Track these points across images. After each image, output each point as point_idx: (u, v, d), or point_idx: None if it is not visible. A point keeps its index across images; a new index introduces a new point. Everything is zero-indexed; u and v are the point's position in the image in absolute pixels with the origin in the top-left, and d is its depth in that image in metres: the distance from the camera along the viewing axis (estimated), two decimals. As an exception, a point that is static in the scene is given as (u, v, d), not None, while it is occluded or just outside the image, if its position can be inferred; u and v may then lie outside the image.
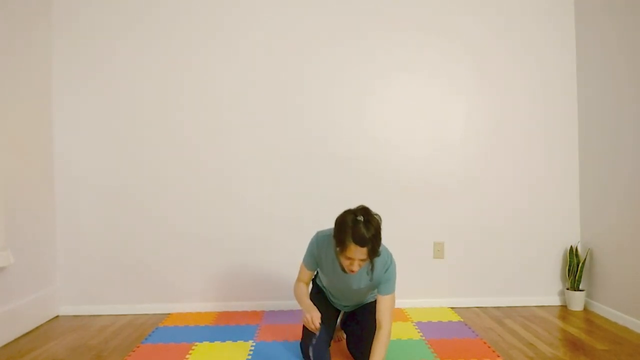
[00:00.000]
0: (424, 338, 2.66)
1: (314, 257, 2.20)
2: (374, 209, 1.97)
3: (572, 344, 2.59)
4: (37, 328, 2.95)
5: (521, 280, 3.38)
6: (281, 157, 3.31)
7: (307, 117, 3.31)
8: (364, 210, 1.93)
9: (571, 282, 3.25)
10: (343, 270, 2.05)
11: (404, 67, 3.34)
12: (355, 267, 1.94)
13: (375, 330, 2.07)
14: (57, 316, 3.20)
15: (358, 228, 1.87)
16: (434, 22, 3.34)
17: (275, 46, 3.31)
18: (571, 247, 3.28)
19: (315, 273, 2.42)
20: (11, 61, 2.79)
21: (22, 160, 2.89)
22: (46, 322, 3.08)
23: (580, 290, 3.23)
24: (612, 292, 3.04)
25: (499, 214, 3.37)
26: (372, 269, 2.07)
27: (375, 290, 2.28)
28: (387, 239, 3.40)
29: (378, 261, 2.07)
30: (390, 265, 2.11)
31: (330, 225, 3.38)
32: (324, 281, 2.34)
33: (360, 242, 1.86)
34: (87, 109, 3.26)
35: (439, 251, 3.36)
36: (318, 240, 2.18)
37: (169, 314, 3.23)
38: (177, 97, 3.29)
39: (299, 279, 2.29)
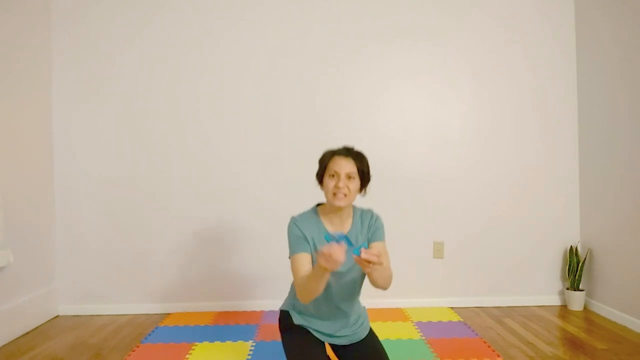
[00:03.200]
0: (423, 338, 2.66)
1: (301, 236, 1.78)
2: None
3: (572, 343, 2.59)
4: (37, 327, 2.95)
5: (521, 279, 3.38)
6: (281, 157, 3.31)
7: (304, 119, 3.31)
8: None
9: (571, 282, 3.25)
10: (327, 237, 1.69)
11: (407, 73, 3.35)
12: (343, 185, 1.71)
13: None
14: (57, 315, 3.20)
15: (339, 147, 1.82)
16: (435, 29, 3.35)
17: (281, 49, 3.32)
18: (571, 246, 3.28)
19: (288, 314, 1.92)
20: (12, 59, 2.79)
21: (22, 160, 2.90)
22: (46, 321, 3.08)
23: (580, 290, 3.23)
24: (611, 292, 3.04)
25: (498, 214, 3.37)
26: (362, 223, 1.84)
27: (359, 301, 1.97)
28: (388, 238, 3.41)
29: (364, 212, 1.88)
30: (377, 216, 1.90)
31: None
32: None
33: (344, 152, 1.77)
34: (87, 109, 3.26)
35: (438, 251, 3.36)
36: (296, 220, 1.82)
37: (169, 313, 3.23)
38: (180, 96, 3.29)
39: (298, 276, 1.74)
